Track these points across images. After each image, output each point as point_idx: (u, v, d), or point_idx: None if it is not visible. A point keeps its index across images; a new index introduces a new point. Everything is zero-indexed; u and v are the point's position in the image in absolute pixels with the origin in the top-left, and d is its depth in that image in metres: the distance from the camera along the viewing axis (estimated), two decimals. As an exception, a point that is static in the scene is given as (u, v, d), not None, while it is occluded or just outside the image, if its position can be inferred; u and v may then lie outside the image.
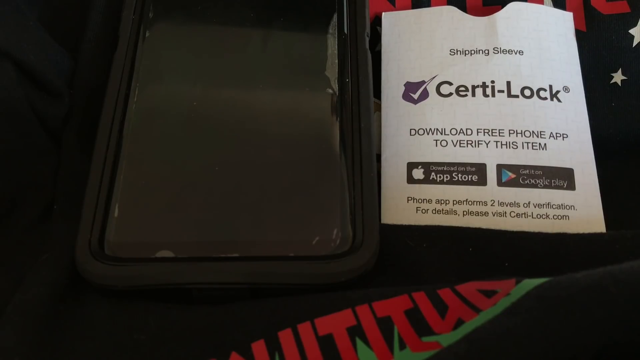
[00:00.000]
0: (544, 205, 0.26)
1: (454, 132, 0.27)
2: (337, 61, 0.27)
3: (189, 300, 0.22)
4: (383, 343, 0.20)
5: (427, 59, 0.29)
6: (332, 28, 0.28)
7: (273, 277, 0.22)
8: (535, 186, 0.26)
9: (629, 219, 0.26)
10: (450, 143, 0.27)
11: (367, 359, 0.19)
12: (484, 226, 0.25)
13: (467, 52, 0.29)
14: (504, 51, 0.29)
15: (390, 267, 0.24)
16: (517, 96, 0.28)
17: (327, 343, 0.20)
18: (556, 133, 0.27)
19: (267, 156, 0.25)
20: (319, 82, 0.26)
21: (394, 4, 0.31)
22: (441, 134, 0.27)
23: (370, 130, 0.25)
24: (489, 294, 0.20)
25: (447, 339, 0.19)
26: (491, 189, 0.26)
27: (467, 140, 0.27)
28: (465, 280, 0.21)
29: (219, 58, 0.27)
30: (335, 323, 0.20)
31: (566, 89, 0.28)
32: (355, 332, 0.20)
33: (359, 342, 0.20)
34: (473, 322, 0.18)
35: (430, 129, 0.28)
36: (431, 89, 0.28)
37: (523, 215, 0.26)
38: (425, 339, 0.19)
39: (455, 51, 0.29)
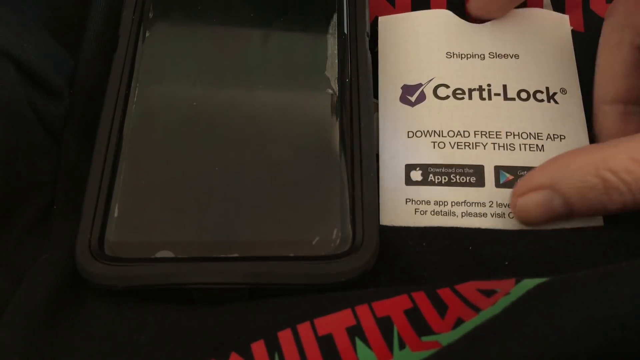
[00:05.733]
0: None
1: (451, 134, 0.27)
2: (337, 61, 0.27)
3: (189, 300, 0.22)
4: (382, 343, 0.20)
5: (424, 62, 0.29)
6: (332, 28, 0.28)
7: (273, 277, 0.22)
8: None
9: (628, 218, 0.26)
10: (447, 145, 0.27)
11: (367, 359, 0.19)
12: (482, 227, 0.25)
13: (463, 55, 0.29)
14: (499, 55, 0.29)
15: (390, 267, 0.24)
16: (513, 99, 0.28)
17: (326, 343, 0.20)
18: (553, 134, 0.27)
19: (267, 156, 0.25)
20: (319, 82, 0.26)
21: (393, 5, 0.31)
22: (439, 135, 0.27)
23: (370, 130, 0.25)
24: (489, 293, 0.20)
25: (446, 338, 0.19)
26: (489, 191, 0.26)
27: (465, 142, 0.27)
28: (465, 279, 0.21)
29: (219, 58, 0.27)
30: (335, 323, 0.20)
31: (563, 91, 0.28)
32: (355, 332, 0.20)
33: (358, 342, 0.20)
34: (473, 322, 0.19)
35: (428, 130, 0.27)
36: (428, 91, 0.28)
37: None
38: (425, 339, 0.19)
39: (452, 54, 0.29)
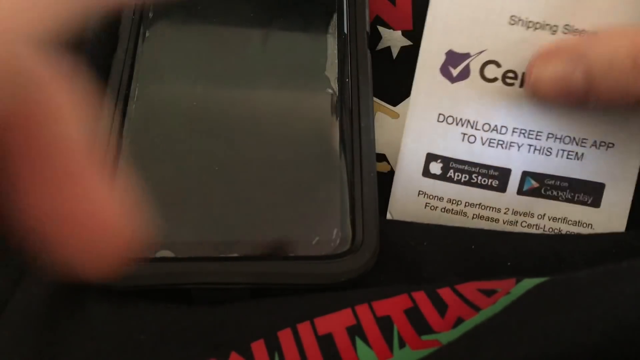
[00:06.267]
0: (559, 220, 0.24)
1: (486, 127, 0.24)
2: (337, 61, 0.27)
3: (189, 300, 0.22)
4: (382, 342, 0.20)
5: (479, 26, 0.24)
6: (332, 28, 0.28)
7: (273, 277, 0.22)
8: (556, 198, 0.24)
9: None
10: (479, 140, 0.24)
11: (367, 358, 0.19)
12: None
13: (530, 24, 0.24)
14: (575, 31, 0.24)
15: (390, 266, 0.24)
16: None
17: (326, 342, 0.20)
18: (600, 142, 0.24)
19: (267, 156, 0.25)
20: (319, 82, 0.26)
21: (394, 4, 0.31)
22: (472, 127, 0.24)
23: (371, 130, 0.25)
24: (489, 293, 0.20)
25: (446, 337, 0.19)
26: (509, 197, 0.24)
27: (499, 140, 0.24)
28: (467, 279, 0.21)
29: (219, 58, 0.27)
30: (335, 322, 0.20)
31: None
32: (355, 331, 0.20)
33: (358, 341, 0.20)
34: (473, 321, 0.19)
35: (461, 119, 0.24)
36: (474, 67, 0.24)
37: (535, 226, 0.25)
38: (425, 338, 0.19)
39: (517, 20, 0.24)
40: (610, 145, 0.24)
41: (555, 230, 0.25)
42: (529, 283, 0.18)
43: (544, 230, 0.25)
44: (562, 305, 0.17)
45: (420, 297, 0.21)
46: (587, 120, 0.24)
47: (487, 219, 0.25)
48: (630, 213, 0.25)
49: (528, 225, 0.25)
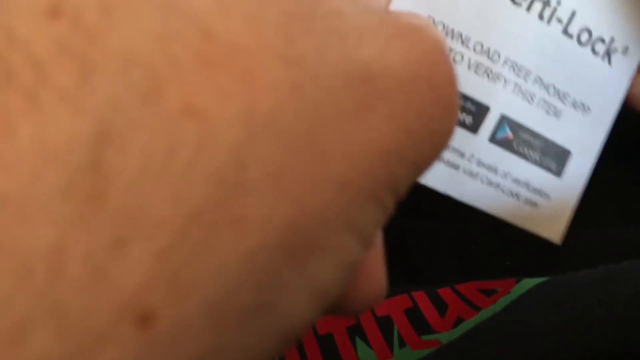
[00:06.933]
0: (521, 184, 0.23)
1: (477, 48, 0.21)
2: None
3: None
4: (382, 342, 0.20)
5: None
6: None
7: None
8: (525, 157, 0.23)
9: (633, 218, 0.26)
10: (466, 60, 0.21)
11: (367, 358, 0.19)
12: (446, 178, 0.21)
13: None
14: None
15: (390, 267, 0.24)
16: (571, 36, 0.23)
17: (326, 342, 0.20)
18: (580, 102, 0.23)
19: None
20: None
21: (394, 4, 0.31)
22: (463, 44, 0.21)
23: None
24: (489, 293, 0.20)
25: (446, 336, 0.19)
26: (479, 142, 0.22)
27: (487, 68, 0.22)
28: (466, 278, 0.21)
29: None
30: (335, 322, 0.20)
31: (625, 50, 0.23)
32: (355, 331, 0.20)
33: (358, 341, 0.20)
34: (472, 321, 0.19)
35: (454, 29, 0.21)
36: None
37: (495, 184, 0.22)
38: (425, 337, 0.19)
39: None
40: (588, 108, 0.23)
41: (514, 194, 0.22)
42: (528, 283, 0.18)
43: (502, 191, 0.22)
44: (562, 305, 0.17)
45: (420, 297, 0.21)
46: (577, 72, 0.23)
47: (447, 162, 0.22)
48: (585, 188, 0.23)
49: (489, 182, 0.22)
